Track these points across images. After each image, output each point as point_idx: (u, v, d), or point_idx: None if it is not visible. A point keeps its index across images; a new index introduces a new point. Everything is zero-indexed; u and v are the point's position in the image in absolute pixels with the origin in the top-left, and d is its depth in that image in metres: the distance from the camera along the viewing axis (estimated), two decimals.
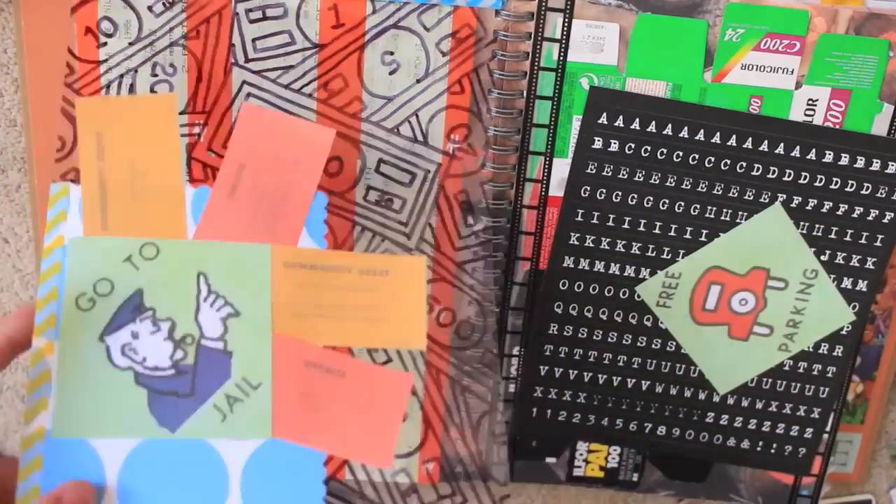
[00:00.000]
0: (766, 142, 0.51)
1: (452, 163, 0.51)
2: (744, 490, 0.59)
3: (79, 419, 0.42)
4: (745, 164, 0.51)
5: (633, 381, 0.55)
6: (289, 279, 0.44)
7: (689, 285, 0.53)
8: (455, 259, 0.52)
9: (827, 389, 0.56)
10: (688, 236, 0.52)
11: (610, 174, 0.51)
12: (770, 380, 0.55)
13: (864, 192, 0.51)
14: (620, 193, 0.51)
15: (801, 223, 0.52)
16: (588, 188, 0.52)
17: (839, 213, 0.52)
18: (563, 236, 0.53)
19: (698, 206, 0.52)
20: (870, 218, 0.52)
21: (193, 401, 0.43)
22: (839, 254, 0.53)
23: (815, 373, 0.55)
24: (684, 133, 0.50)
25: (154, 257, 0.43)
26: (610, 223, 0.52)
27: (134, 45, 0.48)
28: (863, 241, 0.52)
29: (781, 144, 0.51)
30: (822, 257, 0.53)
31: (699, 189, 0.51)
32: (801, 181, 0.51)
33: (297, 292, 0.44)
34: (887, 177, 0.51)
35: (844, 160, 0.51)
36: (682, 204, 0.52)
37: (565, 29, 0.49)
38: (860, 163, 0.51)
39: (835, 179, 0.51)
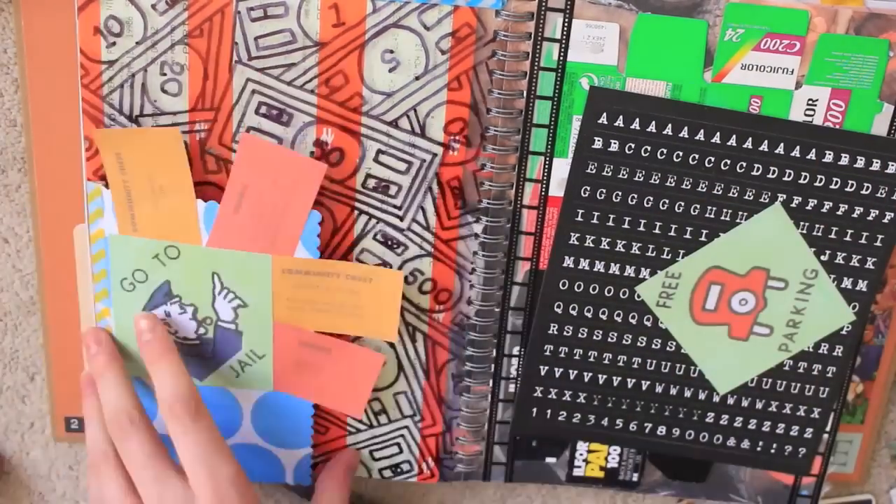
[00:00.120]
0: (766, 142, 0.51)
1: (449, 154, 0.51)
2: (744, 490, 0.59)
3: (130, 366, 0.52)
4: (745, 164, 0.51)
5: (633, 381, 0.55)
6: (287, 282, 0.51)
7: (689, 285, 0.53)
8: (442, 237, 0.53)
9: (827, 389, 0.56)
10: (688, 236, 0.52)
11: (610, 174, 0.51)
12: (770, 380, 0.55)
13: (864, 192, 0.52)
14: (620, 193, 0.52)
15: (801, 223, 0.52)
16: (588, 188, 0.52)
17: (839, 213, 0.52)
18: (563, 236, 0.53)
19: (698, 206, 0.52)
20: (870, 218, 0.52)
21: (214, 362, 0.54)
22: (839, 254, 0.53)
23: (815, 373, 0.55)
24: (684, 133, 0.50)
25: (176, 257, 0.51)
26: (610, 223, 0.52)
27: (141, 44, 0.48)
28: (863, 241, 0.52)
29: (781, 144, 0.51)
30: (822, 257, 0.53)
31: (699, 189, 0.51)
32: (801, 181, 0.51)
33: (293, 292, 0.52)
34: (887, 177, 0.51)
35: (844, 160, 0.51)
36: (682, 204, 0.52)
37: (565, 29, 0.49)
38: (860, 163, 0.51)
39: (835, 179, 0.51)
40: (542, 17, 0.49)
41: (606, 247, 0.53)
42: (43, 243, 0.53)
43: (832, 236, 0.52)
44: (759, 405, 0.56)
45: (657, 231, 0.52)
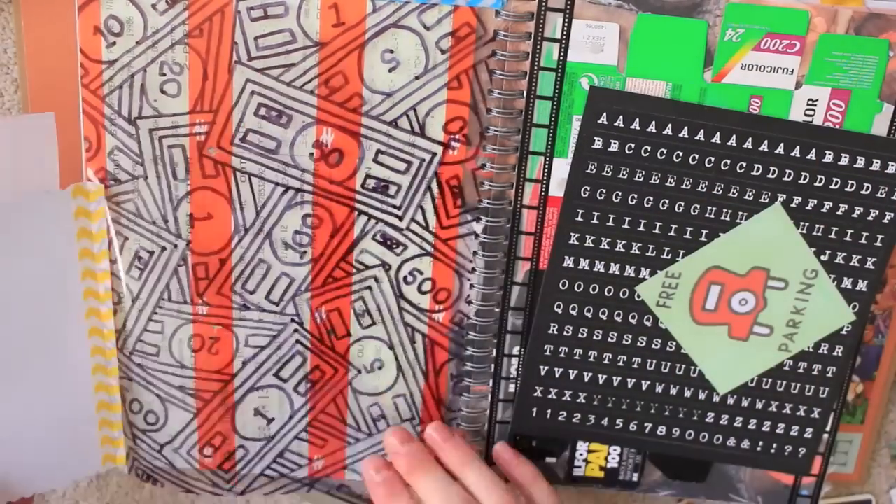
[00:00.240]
0: (766, 142, 0.51)
1: (448, 153, 0.51)
2: (744, 490, 0.59)
3: None
4: (745, 164, 0.51)
5: (633, 381, 0.55)
6: None
7: (689, 285, 0.53)
8: (441, 236, 0.53)
9: (827, 389, 0.56)
10: (688, 236, 0.52)
11: (610, 174, 0.51)
12: (770, 380, 0.55)
13: (864, 192, 0.51)
14: (620, 193, 0.52)
15: (801, 223, 0.52)
16: (588, 188, 0.52)
17: (839, 213, 0.52)
18: (563, 236, 0.53)
19: (698, 206, 0.52)
20: (870, 218, 0.52)
21: None
22: (839, 254, 0.53)
23: (815, 373, 0.55)
24: (684, 133, 0.50)
25: None
26: (610, 223, 0.52)
27: (141, 44, 0.48)
28: (863, 241, 0.52)
29: (781, 144, 0.51)
30: (822, 257, 0.53)
31: (699, 189, 0.51)
32: (801, 181, 0.51)
33: None
34: (887, 177, 0.51)
35: (844, 160, 0.51)
36: (682, 204, 0.52)
37: (565, 29, 0.49)
38: (860, 163, 0.51)
39: (835, 179, 0.51)
40: (542, 17, 0.49)
41: (606, 247, 0.53)
42: None
43: (832, 236, 0.52)
44: (759, 405, 0.56)
45: (657, 231, 0.52)
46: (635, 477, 0.59)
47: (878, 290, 0.55)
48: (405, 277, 0.53)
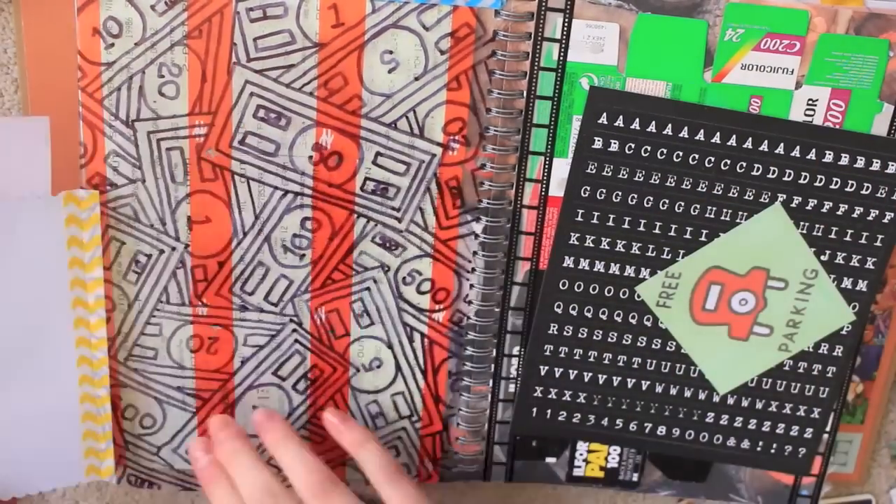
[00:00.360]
0: (766, 142, 0.51)
1: (448, 154, 0.51)
2: (744, 490, 0.59)
3: None
4: (745, 164, 0.51)
5: (633, 381, 0.55)
6: None
7: (689, 285, 0.53)
8: (441, 237, 0.53)
9: (827, 389, 0.56)
10: (688, 236, 0.52)
11: (610, 174, 0.51)
12: (770, 380, 0.55)
13: (864, 192, 0.51)
14: (620, 193, 0.51)
15: (801, 223, 0.52)
16: (588, 188, 0.52)
17: (839, 213, 0.52)
18: (563, 236, 0.53)
19: (698, 206, 0.52)
20: (870, 218, 0.52)
21: None
22: (839, 254, 0.53)
23: (815, 373, 0.55)
24: (684, 133, 0.50)
25: None
26: (610, 223, 0.52)
27: (140, 45, 0.48)
28: (863, 241, 0.52)
29: (781, 144, 0.51)
30: (822, 257, 0.53)
31: (699, 189, 0.51)
32: (801, 181, 0.51)
33: None
34: (887, 177, 0.51)
35: (844, 160, 0.51)
36: (682, 204, 0.52)
37: (565, 29, 0.49)
38: (860, 163, 0.51)
39: (835, 179, 0.51)
40: (541, 17, 0.49)
41: (606, 247, 0.53)
42: None
43: (832, 236, 0.52)
44: (759, 405, 0.56)
45: (657, 231, 0.52)
46: (635, 477, 0.59)
47: (878, 290, 0.55)
48: (404, 278, 0.53)
